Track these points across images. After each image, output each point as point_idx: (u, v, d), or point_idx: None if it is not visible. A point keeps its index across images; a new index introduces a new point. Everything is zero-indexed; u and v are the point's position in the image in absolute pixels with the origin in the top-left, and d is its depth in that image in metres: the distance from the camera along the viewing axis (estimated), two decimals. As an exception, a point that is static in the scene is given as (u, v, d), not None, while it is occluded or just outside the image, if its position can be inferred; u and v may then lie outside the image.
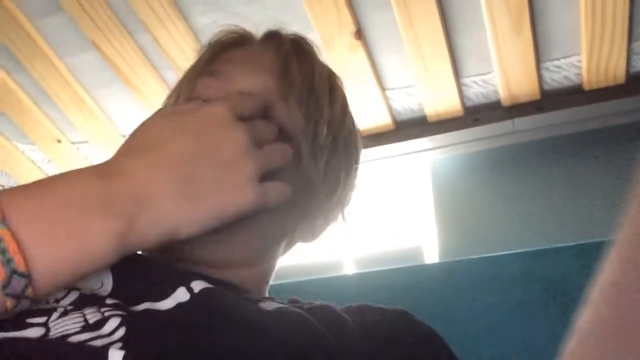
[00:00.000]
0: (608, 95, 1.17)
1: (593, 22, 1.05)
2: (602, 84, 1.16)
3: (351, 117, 0.61)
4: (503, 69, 1.15)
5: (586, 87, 1.18)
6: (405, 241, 1.41)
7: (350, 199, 0.61)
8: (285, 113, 0.52)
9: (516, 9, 1.05)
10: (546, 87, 1.20)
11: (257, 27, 0.61)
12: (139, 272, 0.44)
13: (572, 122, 1.21)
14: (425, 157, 1.36)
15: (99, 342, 0.38)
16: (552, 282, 1.06)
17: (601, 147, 1.25)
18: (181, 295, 0.43)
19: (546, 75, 1.18)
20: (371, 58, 1.18)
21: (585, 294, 0.20)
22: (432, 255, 1.33)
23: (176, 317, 0.42)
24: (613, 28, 1.05)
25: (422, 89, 1.22)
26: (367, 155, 1.26)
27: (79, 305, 0.42)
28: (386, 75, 1.22)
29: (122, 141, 0.46)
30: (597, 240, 1.08)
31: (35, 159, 1.53)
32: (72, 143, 1.48)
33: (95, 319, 0.40)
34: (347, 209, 0.61)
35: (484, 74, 1.19)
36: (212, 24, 1.11)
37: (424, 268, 1.25)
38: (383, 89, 1.24)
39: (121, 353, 0.37)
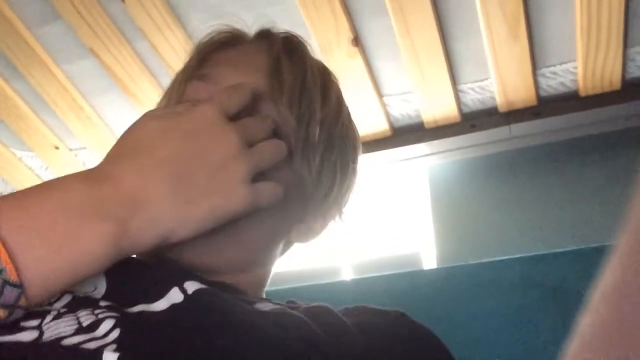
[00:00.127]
0: (604, 101, 1.17)
1: (589, 28, 1.06)
2: (598, 90, 1.17)
3: (347, 114, 0.60)
4: (499, 75, 1.16)
5: (582, 93, 1.18)
6: (403, 247, 1.41)
7: (348, 199, 0.60)
8: (274, 109, 0.51)
9: (512, 16, 1.06)
10: (542, 93, 1.20)
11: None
12: (132, 274, 0.44)
13: (569, 128, 1.22)
14: (423, 163, 1.36)
15: (93, 345, 0.38)
16: (550, 287, 1.07)
17: (597, 152, 1.26)
18: (175, 296, 0.43)
19: (542, 81, 1.18)
20: (368, 65, 1.18)
21: (583, 299, 0.20)
22: (430, 261, 1.33)
23: (170, 318, 0.42)
24: (608, 34, 1.06)
25: (419, 96, 1.22)
26: (365, 161, 1.26)
27: (73, 308, 0.42)
28: (383, 82, 1.23)
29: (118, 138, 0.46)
30: (594, 245, 1.08)
31: (33, 166, 1.53)
32: (70, 150, 1.48)
33: (89, 321, 0.40)
34: (345, 209, 0.60)
35: (481, 81, 1.20)
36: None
37: (422, 273, 1.26)
38: (380, 95, 1.24)
39: (115, 355, 0.37)
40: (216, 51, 0.57)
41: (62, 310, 0.41)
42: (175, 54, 1.19)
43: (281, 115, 0.51)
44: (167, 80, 1.26)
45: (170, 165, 0.43)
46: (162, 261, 0.48)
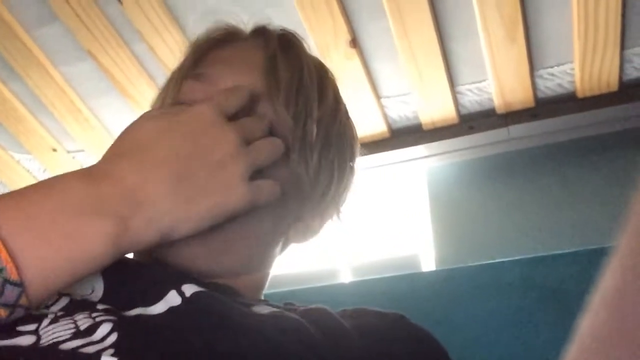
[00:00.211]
0: (601, 102, 1.17)
1: (586, 30, 1.06)
2: (596, 92, 1.17)
3: (345, 111, 0.59)
4: (497, 76, 1.16)
5: (580, 94, 1.18)
6: (402, 249, 1.41)
7: (346, 197, 0.59)
8: (270, 108, 0.51)
9: (510, 18, 1.06)
10: (540, 94, 1.21)
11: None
12: (129, 276, 0.44)
13: (566, 130, 1.22)
14: (421, 165, 1.36)
15: (91, 349, 0.38)
16: (549, 289, 1.07)
17: (596, 154, 1.26)
18: (172, 299, 0.43)
19: (540, 83, 1.19)
20: (366, 66, 1.18)
21: (582, 301, 0.20)
22: (429, 263, 1.33)
23: (168, 322, 0.42)
24: (606, 36, 1.06)
25: (417, 97, 1.22)
26: (363, 163, 1.27)
27: (70, 311, 0.42)
28: (381, 84, 1.23)
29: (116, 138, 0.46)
30: (593, 247, 1.08)
31: (31, 168, 1.53)
32: (68, 152, 1.48)
33: (87, 324, 0.40)
34: (343, 208, 0.59)
35: (479, 82, 1.20)
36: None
37: (421, 275, 1.26)
38: (378, 97, 1.24)
39: (114, 359, 0.37)
40: (212, 49, 0.57)
41: (59, 314, 0.41)
42: (173, 56, 1.19)
43: (278, 114, 0.51)
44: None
45: (169, 163, 0.43)
46: (160, 264, 0.48)
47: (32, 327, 0.40)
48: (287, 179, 0.51)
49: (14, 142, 1.46)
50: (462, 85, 1.21)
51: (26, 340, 0.39)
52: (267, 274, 0.56)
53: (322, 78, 0.56)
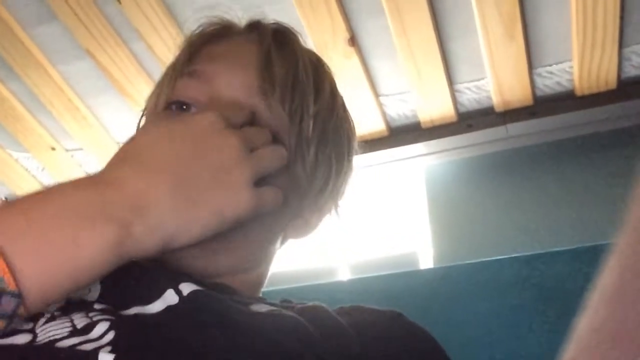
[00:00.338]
0: (600, 100, 1.17)
1: (584, 28, 1.06)
2: (594, 90, 1.17)
3: (342, 104, 0.59)
4: (496, 75, 1.16)
5: (578, 92, 1.18)
6: (400, 247, 1.42)
7: (344, 191, 0.59)
8: (270, 117, 0.51)
9: (508, 16, 1.06)
10: (539, 92, 1.21)
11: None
12: (126, 275, 0.43)
13: (565, 128, 1.22)
14: (419, 163, 1.36)
15: (88, 346, 0.38)
16: (547, 287, 1.07)
17: (594, 152, 1.26)
18: (170, 297, 0.43)
19: (538, 81, 1.19)
20: (365, 65, 1.18)
21: (580, 298, 0.20)
22: (427, 261, 1.33)
23: (166, 320, 0.42)
24: (604, 34, 1.06)
25: (415, 96, 1.22)
26: (362, 162, 1.27)
27: (66, 310, 0.41)
28: (380, 82, 1.23)
29: (116, 148, 0.46)
30: (591, 244, 1.08)
31: (30, 167, 1.52)
32: (67, 150, 1.47)
33: (83, 323, 0.40)
34: (341, 202, 0.59)
35: (477, 80, 1.20)
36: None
37: (419, 273, 1.26)
38: (377, 95, 1.24)
39: (111, 356, 0.36)
40: (206, 45, 0.57)
41: (56, 313, 0.41)
42: (171, 55, 1.18)
43: (273, 111, 0.51)
44: (163, 81, 1.26)
45: (173, 170, 0.43)
46: (157, 263, 0.48)
47: (28, 325, 0.39)
48: (286, 182, 0.51)
49: (13, 141, 1.45)
50: (460, 83, 1.21)
51: (22, 339, 0.38)
52: (266, 271, 0.56)
53: (317, 72, 0.56)
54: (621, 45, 1.10)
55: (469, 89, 1.22)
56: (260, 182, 0.46)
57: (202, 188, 0.43)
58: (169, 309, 0.42)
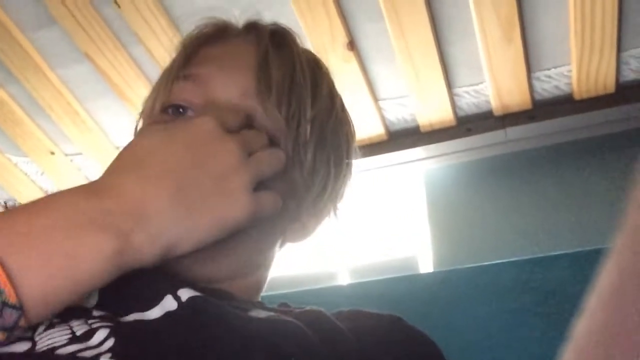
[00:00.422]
0: (598, 104, 1.18)
1: (582, 32, 1.06)
2: (593, 94, 1.17)
3: (340, 105, 0.58)
4: (494, 79, 1.16)
5: (577, 96, 1.19)
6: (400, 251, 1.41)
7: (343, 193, 0.58)
8: (266, 120, 0.50)
9: (506, 20, 1.06)
10: (537, 96, 1.21)
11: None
12: (125, 282, 0.43)
13: (564, 131, 1.22)
14: (419, 167, 1.36)
15: (88, 353, 0.37)
16: (546, 291, 1.07)
17: (592, 155, 1.26)
18: (168, 303, 0.43)
19: (537, 85, 1.19)
20: (364, 69, 1.19)
21: (579, 302, 0.20)
22: (426, 265, 1.33)
23: (165, 326, 0.41)
24: (602, 38, 1.07)
25: (414, 100, 1.22)
26: (361, 166, 1.27)
27: (65, 317, 0.41)
28: (379, 86, 1.23)
29: (115, 153, 0.45)
30: (590, 248, 1.08)
31: (29, 171, 1.52)
32: (66, 155, 1.47)
33: (83, 330, 0.39)
34: (339, 205, 0.58)
35: (476, 84, 1.20)
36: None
37: (419, 277, 1.26)
38: (376, 99, 1.25)
39: None
40: (202, 46, 0.56)
41: (55, 320, 0.41)
42: (170, 58, 1.19)
43: (270, 114, 0.50)
44: (162, 85, 1.26)
45: (171, 176, 0.42)
46: (155, 269, 0.48)
47: (27, 333, 0.39)
48: (284, 186, 0.50)
49: (12, 145, 1.45)
50: (459, 87, 1.21)
51: (22, 347, 0.38)
52: (264, 276, 0.55)
53: (315, 74, 0.55)
54: (619, 49, 1.10)
55: (467, 92, 1.22)
56: (258, 186, 0.46)
57: (202, 195, 0.43)
58: (167, 315, 0.42)
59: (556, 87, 1.19)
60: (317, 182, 0.53)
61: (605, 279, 0.18)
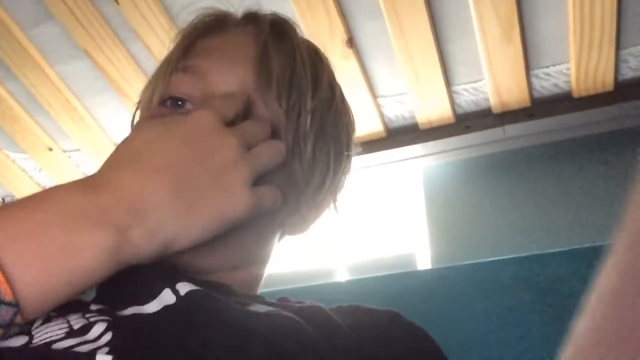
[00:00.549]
0: (597, 102, 1.18)
1: (581, 30, 1.06)
2: (591, 92, 1.18)
3: (340, 96, 0.57)
4: (493, 76, 1.16)
5: (575, 94, 1.19)
6: (398, 247, 1.42)
7: (343, 185, 0.58)
8: (266, 112, 0.50)
9: (506, 18, 1.06)
10: (536, 94, 1.21)
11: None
12: (123, 275, 0.42)
13: (562, 129, 1.23)
14: (417, 164, 1.36)
15: (85, 348, 0.37)
16: (544, 287, 1.07)
17: (591, 153, 1.26)
18: (167, 297, 0.42)
19: (536, 82, 1.19)
20: (363, 66, 1.19)
21: (578, 299, 0.20)
22: (424, 262, 1.34)
23: (163, 320, 0.41)
24: (601, 36, 1.07)
25: (413, 97, 1.22)
26: (360, 163, 1.27)
27: (62, 311, 0.41)
28: (378, 83, 1.23)
29: (113, 149, 0.45)
30: (588, 245, 1.09)
31: (27, 168, 1.52)
32: (64, 151, 1.47)
33: (80, 324, 0.39)
34: (339, 197, 0.57)
35: (475, 82, 1.20)
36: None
37: (417, 274, 1.26)
38: (375, 96, 1.25)
39: (109, 358, 0.36)
40: (200, 38, 0.55)
41: (52, 314, 0.40)
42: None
43: (269, 106, 0.49)
44: (161, 82, 1.26)
45: (170, 171, 0.42)
46: (154, 262, 0.48)
47: (24, 327, 0.39)
48: (283, 179, 0.50)
49: (10, 141, 1.45)
50: (458, 85, 1.21)
51: (18, 341, 0.38)
52: (263, 269, 0.55)
53: (316, 64, 0.54)
54: (618, 47, 1.10)
55: (466, 90, 1.22)
56: (258, 179, 0.46)
57: (201, 190, 0.42)
58: (166, 308, 0.42)
59: (555, 84, 1.19)
60: (316, 174, 0.53)
61: (604, 280, 0.18)
